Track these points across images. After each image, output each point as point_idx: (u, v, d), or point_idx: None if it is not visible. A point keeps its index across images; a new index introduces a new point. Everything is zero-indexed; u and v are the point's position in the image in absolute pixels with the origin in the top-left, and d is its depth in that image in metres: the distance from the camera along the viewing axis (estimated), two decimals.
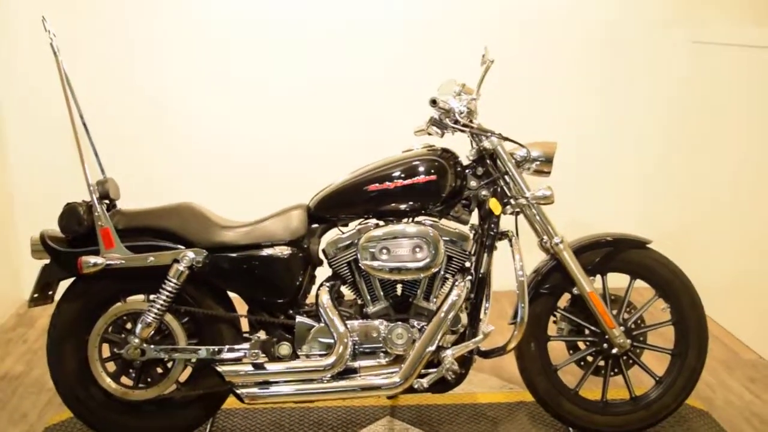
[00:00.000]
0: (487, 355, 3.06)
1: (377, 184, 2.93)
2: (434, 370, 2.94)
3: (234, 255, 2.95)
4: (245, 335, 3.10)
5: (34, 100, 4.62)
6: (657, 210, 5.05)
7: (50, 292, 3.06)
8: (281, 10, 4.70)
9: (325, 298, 2.97)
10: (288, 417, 3.34)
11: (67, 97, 2.97)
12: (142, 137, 4.78)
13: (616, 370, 3.19)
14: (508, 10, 4.73)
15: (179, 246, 2.94)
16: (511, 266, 2.96)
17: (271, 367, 2.94)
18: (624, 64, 4.88)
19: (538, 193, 2.96)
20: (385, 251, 2.90)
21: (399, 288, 3.05)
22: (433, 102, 2.93)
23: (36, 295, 3.00)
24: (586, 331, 3.17)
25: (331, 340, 2.95)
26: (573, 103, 4.90)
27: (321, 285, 3.03)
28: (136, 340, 2.93)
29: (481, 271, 3.02)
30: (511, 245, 3.00)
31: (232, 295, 3.09)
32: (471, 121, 2.98)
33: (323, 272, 3.09)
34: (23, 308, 4.73)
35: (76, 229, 2.91)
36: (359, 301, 3.07)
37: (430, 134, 3.10)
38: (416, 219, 3.02)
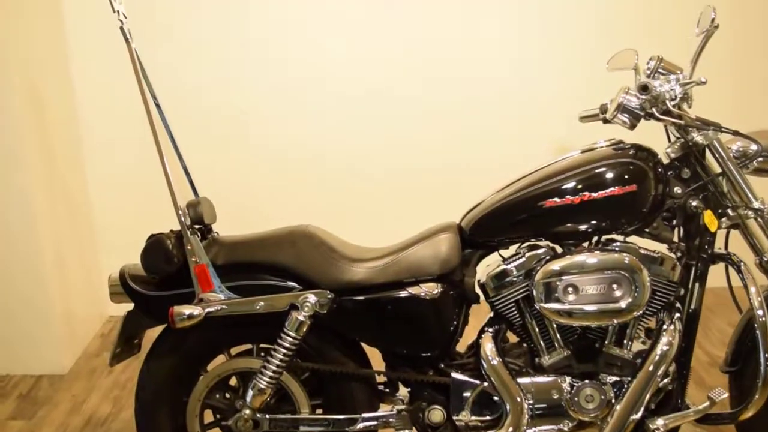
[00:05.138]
0: (706, 420, 2.31)
1: (556, 199, 2.20)
2: None
3: (367, 297, 2.27)
4: (380, 387, 2.44)
5: (114, 98, 4.03)
6: None
7: (136, 341, 2.47)
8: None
9: (489, 349, 2.26)
10: None
11: (143, 93, 2.32)
12: (237, 148, 4.16)
13: None
14: None
15: (296, 285, 2.27)
16: None
17: None
18: None
19: None
20: (570, 290, 2.17)
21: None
22: (644, 88, 2.14)
23: (119, 350, 2.38)
24: None
25: (498, 400, 2.27)
26: None
27: (482, 331, 2.32)
28: (247, 411, 2.28)
29: (692, 306, 2.27)
30: (740, 273, 2.23)
31: None
32: (682, 110, 2.20)
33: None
34: (108, 326, 4.19)
35: (164, 269, 2.27)
36: (525, 345, 2.36)
37: (606, 121, 2.35)
38: (603, 239, 2.29)
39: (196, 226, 2.32)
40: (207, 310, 2.22)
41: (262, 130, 4.13)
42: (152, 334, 2.41)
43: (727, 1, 3.86)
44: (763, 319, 2.16)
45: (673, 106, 2.16)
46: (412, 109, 4.13)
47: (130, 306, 2.38)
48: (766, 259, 2.28)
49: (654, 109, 2.17)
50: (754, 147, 2.25)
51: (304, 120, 4.12)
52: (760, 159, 2.27)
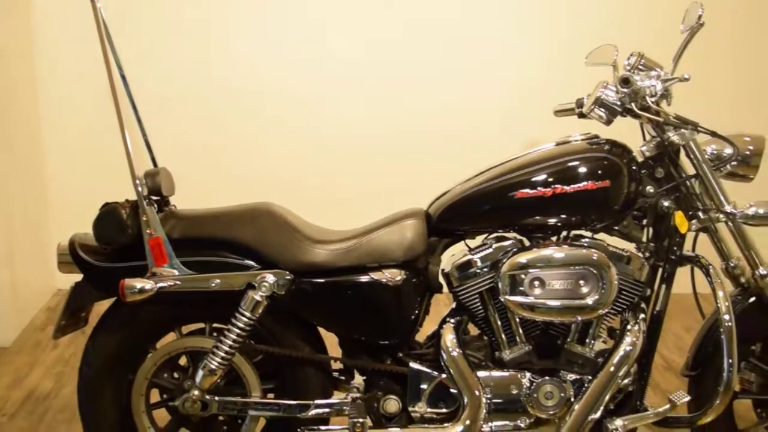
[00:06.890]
0: (664, 423, 2.27)
1: (528, 190, 2.14)
2: None
3: (328, 280, 2.20)
4: (335, 374, 2.37)
5: (76, 61, 3.90)
6: None
7: (83, 314, 2.35)
8: None
9: (449, 340, 2.20)
10: None
11: (106, 57, 2.19)
12: (200, 118, 4.04)
13: None
14: None
15: (254, 263, 2.19)
16: None
17: None
18: None
19: (749, 211, 2.17)
20: (536, 284, 2.12)
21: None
22: (625, 81, 2.10)
23: (63, 323, 2.27)
24: None
25: (455, 392, 2.22)
26: None
27: (444, 321, 2.26)
28: (196, 392, 2.19)
29: (657, 308, 2.24)
30: (708, 276, 2.20)
31: None
32: (660, 107, 2.16)
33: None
34: (56, 299, 4.06)
35: (117, 239, 2.17)
36: (486, 338, 2.30)
37: (582, 116, 2.30)
38: (571, 234, 2.24)
39: (153, 198, 2.22)
40: (159, 284, 2.13)
41: (228, 106, 4.03)
42: (100, 308, 2.31)
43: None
44: (729, 324, 2.13)
45: (653, 103, 2.12)
46: (384, 91, 4.08)
47: (79, 277, 2.28)
48: (732, 264, 2.27)
49: (633, 105, 2.13)
50: (729, 150, 2.23)
51: (273, 99, 4.03)
52: (734, 163, 2.25)
